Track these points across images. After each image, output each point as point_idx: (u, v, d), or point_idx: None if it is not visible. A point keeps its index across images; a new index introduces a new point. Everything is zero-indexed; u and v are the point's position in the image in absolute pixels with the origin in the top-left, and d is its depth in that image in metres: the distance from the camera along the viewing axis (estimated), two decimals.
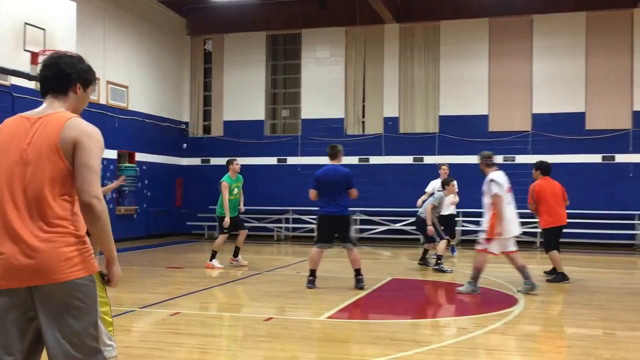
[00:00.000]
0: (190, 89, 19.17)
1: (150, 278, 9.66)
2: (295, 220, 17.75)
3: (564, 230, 9.69)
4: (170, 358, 5.13)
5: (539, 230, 14.82)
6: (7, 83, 11.94)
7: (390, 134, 17.30)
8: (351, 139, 17.32)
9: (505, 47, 16.75)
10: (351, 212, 9.05)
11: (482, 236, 8.22)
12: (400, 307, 7.80)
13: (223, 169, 11.29)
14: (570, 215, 9.77)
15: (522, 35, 16.62)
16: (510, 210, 8.15)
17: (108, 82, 15.29)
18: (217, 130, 18.88)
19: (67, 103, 2.87)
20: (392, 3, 16.53)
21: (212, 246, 11.18)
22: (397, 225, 16.59)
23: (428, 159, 16.73)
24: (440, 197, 10.80)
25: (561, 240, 9.67)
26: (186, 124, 19.04)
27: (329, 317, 6.81)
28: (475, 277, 8.24)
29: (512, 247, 8.22)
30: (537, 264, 11.40)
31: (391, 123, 17.38)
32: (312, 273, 8.72)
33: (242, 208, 11.25)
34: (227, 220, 10.64)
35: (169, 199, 18.20)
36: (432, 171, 13.80)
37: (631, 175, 15.74)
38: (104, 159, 12.78)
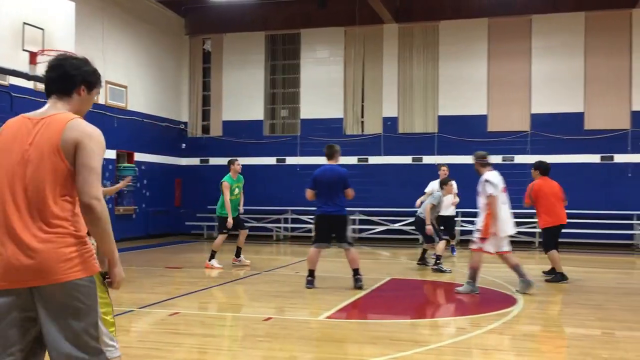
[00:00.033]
0: (189, 88, 19.17)
1: (149, 278, 9.65)
2: (294, 220, 17.75)
3: (563, 230, 9.69)
4: (169, 358, 5.14)
5: (537, 230, 14.87)
6: (5, 83, 11.93)
7: (389, 134, 17.31)
8: (350, 139, 17.33)
9: (504, 47, 16.76)
10: (349, 212, 9.05)
11: (476, 235, 8.26)
12: (399, 307, 7.81)
13: (222, 169, 11.29)
14: (568, 215, 9.77)
15: (521, 35, 16.63)
16: (504, 210, 8.19)
17: (107, 82, 15.28)
18: (216, 130, 18.88)
19: (70, 104, 2.88)
20: (392, 3, 16.53)
21: (211, 246, 11.19)
22: (396, 225, 16.59)
23: (427, 159, 16.74)
24: (439, 197, 10.81)
25: (559, 240, 9.68)
26: (185, 123, 19.04)
27: (328, 317, 6.81)
28: (473, 277, 8.26)
29: (506, 247, 8.26)
30: (536, 264, 11.42)
31: (390, 123, 17.39)
32: (311, 273, 8.73)
33: (241, 209, 11.26)
34: (230, 221, 10.65)
35: (167, 199, 18.19)
36: (431, 171, 13.81)
37: (630, 175, 15.75)
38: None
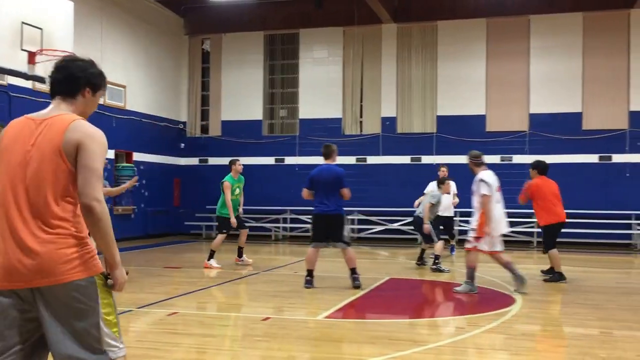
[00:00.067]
0: (188, 88, 19.16)
1: (148, 278, 9.65)
2: (292, 220, 17.76)
3: (561, 230, 9.70)
4: (168, 358, 5.14)
5: (535, 229, 14.88)
6: (4, 83, 11.92)
7: (387, 134, 17.31)
8: (349, 138, 17.33)
9: (502, 47, 16.77)
10: (347, 211, 9.06)
11: (471, 234, 8.29)
12: (397, 306, 7.82)
13: (221, 169, 11.30)
14: (567, 215, 9.78)
15: (519, 35, 16.65)
16: (498, 209, 8.24)
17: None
18: (215, 130, 18.88)
19: (74, 106, 2.88)
20: (390, 3, 16.54)
21: (210, 246, 11.20)
22: (395, 225, 16.60)
23: (426, 159, 16.75)
24: (438, 196, 10.82)
25: (558, 239, 9.69)
26: (184, 123, 19.04)
27: (327, 317, 6.81)
28: (471, 276, 8.28)
29: (499, 247, 8.28)
30: (534, 264, 11.43)
31: (389, 123, 17.40)
32: (310, 273, 8.74)
33: (241, 209, 11.28)
34: (233, 220, 10.68)
35: (166, 199, 18.19)
36: (430, 171, 13.82)
37: (628, 175, 15.78)
38: None
